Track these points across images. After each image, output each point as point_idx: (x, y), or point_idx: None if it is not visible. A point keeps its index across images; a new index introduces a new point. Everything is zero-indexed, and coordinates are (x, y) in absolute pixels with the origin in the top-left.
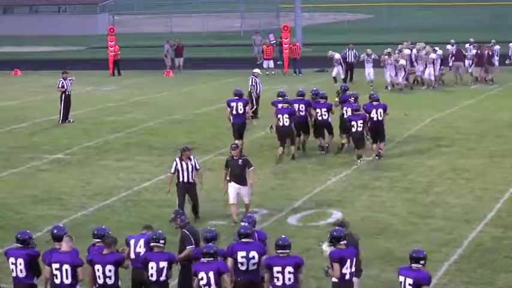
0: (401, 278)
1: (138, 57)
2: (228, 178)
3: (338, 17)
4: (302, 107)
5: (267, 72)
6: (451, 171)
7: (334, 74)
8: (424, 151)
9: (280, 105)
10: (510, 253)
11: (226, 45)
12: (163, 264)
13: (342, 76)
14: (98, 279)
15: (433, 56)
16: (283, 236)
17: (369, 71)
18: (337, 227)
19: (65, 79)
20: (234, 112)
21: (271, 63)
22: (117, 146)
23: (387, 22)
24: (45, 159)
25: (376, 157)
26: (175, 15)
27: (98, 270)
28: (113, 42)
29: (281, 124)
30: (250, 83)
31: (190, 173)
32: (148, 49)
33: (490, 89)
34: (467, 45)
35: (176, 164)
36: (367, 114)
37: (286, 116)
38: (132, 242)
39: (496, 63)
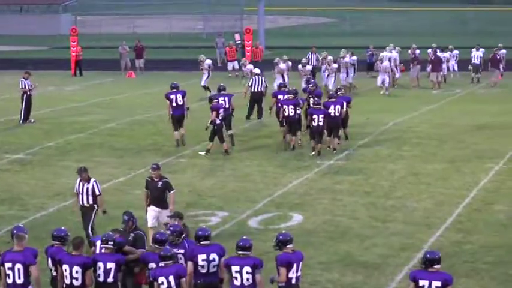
0: (424, 282)
1: (100, 57)
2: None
3: (301, 20)
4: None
5: (230, 74)
6: (412, 175)
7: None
8: (385, 155)
9: (282, 96)
10: (470, 258)
11: (189, 46)
12: (110, 265)
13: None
14: (65, 279)
15: (346, 59)
16: (244, 237)
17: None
18: (283, 232)
19: (26, 79)
20: (174, 104)
21: (236, 65)
22: (78, 147)
23: (350, 26)
24: (5, 159)
25: (331, 148)
26: (138, 16)
27: (66, 270)
28: (75, 43)
29: (286, 114)
30: (248, 84)
31: (85, 196)
32: (111, 50)
33: (451, 94)
34: (429, 50)
35: (76, 184)
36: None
37: (291, 106)
38: (98, 243)
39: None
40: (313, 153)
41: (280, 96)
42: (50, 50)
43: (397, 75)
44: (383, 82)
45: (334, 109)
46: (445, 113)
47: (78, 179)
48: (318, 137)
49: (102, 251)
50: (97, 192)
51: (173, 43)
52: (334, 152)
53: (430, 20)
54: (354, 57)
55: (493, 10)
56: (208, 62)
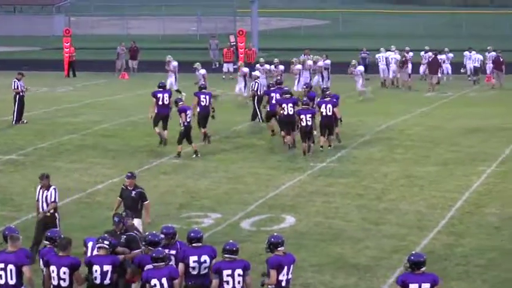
0: (414, 286)
1: (94, 58)
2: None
3: (294, 22)
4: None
5: (224, 76)
6: (404, 178)
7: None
8: (378, 158)
9: (274, 94)
10: (462, 261)
11: (183, 48)
12: (107, 267)
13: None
14: (52, 280)
15: (320, 64)
16: (231, 241)
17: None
18: (275, 234)
19: (19, 80)
20: (160, 103)
21: (231, 67)
22: (71, 148)
23: (343, 28)
24: None
25: (321, 148)
26: (132, 17)
27: (53, 271)
28: (69, 44)
29: (285, 113)
30: (252, 88)
31: (44, 204)
32: (104, 51)
33: (444, 97)
34: (422, 52)
35: (37, 192)
36: (318, 109)
37: (290, 105)
38: (90, 244)
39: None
40: (304, 155)
41: (272, 94)
42: (43, 51)
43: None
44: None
45: (326, 108)
46: (437, 115)
47: (39, 186)
48: (307, 136)
49: (97, 252)
50: (52, 199)
51: (166, 44)
52: (330, 148)
53: (423, 22)
54: (328, 61)
55: (486, 13)
56: (175, 63)
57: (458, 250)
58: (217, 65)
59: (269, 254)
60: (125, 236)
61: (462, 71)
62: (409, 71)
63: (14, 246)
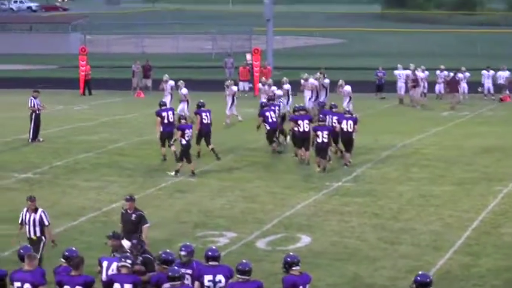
0: None
1: (109, 77)
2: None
3: (309, 41)
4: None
5: (239, 95)
6: (420, 197)
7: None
8: (393, 177)
9: (269, 113)
10: (478, 281)
11: (198, 66)
12: (128, 286)
13: None
14: None
15: (315, 82)
16: (243, 261)
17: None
18: (291, 254)
19: (35, 98)
20: (165, 121)
21: (247, 86)
22: (86, 166)
23: (358, 47)
24: (13, 178)
25: (345, 166)
26: (147, 35)
27: None
28: (84, 62)
29: (301, 130)
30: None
31: (31, 228)
32: (120, 69)
33: (460, 116)
34: (437, 71)
35: (23, 215)
36: (338, 126)
37: (306, 121)
38: (104, 263)
39: None
40: (319, 169)
41: (267, 114)
42: (59, 69)
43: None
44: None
45: (347, 124)
46: (453, 134)
47: (25, 209)
48: (322, 153)
49: (120, 271)
50: (46, 223)
51: (182, 63)
52: (346, 166)
53: (438, 41)
54: (327, 80)
55: (500, 32)
56: (171, 83)
57: (475, 270)
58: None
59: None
60: (141, 258)
61: (480, 90)
62: (422, 90)
63: (31, 265)
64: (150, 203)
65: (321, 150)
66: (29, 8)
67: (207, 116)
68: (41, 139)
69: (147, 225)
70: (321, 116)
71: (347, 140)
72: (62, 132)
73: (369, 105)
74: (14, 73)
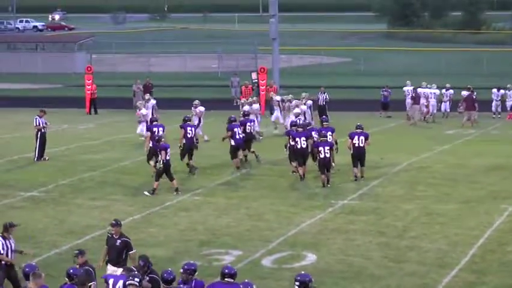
0: None
1: (115, 96)
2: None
3: (315, 59)
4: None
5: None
6: (426, 215)
7: (273, 118)
8: (399, 195)
9: (237, 129)
10: None
11: (204, 85)
12: None
13: (281, 121)
14: None
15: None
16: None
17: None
18: (302, 272)
19: (40, 117)
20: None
21: None
22: (91, 185)
23: (364, 66)
24: (19, 196)
25: (355, 179)
26: (153, 54)
27: None
28: (90, 81)
29: (299, 146)
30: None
31: (9, 253)
32: (126, 88)
33: (466, 135)
34: (443, 90)
35: (2, 243)
36: (350, 141)
37: (303, 138)
38: (111, 281)
39: None
40: (324, 187)
41: (235, 129)
42: (65, 88)
43: (433, 111)
44: (277, 118)
45: (359, 140)
46: (459, 153)
47: (1, 237)
48: (325, 169)
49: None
50: (15, 248)
51: (188, 82)
52: (363, 179)
53: (444, 60)
54: (310, 102)
55: (506, 51)
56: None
57: None
58: (239, 103)
59: None
60: (147, 278)
61: (493, 109)
62: (425, 108)
63: (36, 284)
64: (155, 222)
65: (324, 165)
66: (35, 27)
67: (191, 130)
68: (47, 158)
69: (134, 251)
70: (323, 131)
71: (359, 155)
72: (68, 151)
73: (374, 124)
74: (20, 92)
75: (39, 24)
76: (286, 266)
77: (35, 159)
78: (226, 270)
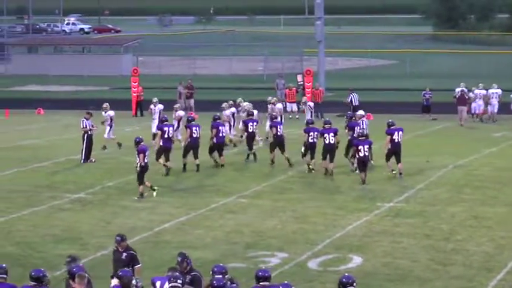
0: None
1: (161, 98)
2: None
3: (360, 62)
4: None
5: (290, 116)
6: (472, 218)
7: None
8: (445, 198)
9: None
10: None
11: (249, 88)
12: None
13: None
14: None
15: (280, 106)
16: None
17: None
18: (346, 274)
19: (87, 119)
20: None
21: (294, 107)
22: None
23: (410, 68)
24: (66, 198)
25: (400, 174)
26: (198, 57)
27: None
28: (136, 83)
29: (327, 142)
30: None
31: None
32: (171, 90)
33: None
34: (490, 91)
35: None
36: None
37: (331, 134)
38: (158, 283)
39: None
40: (363, 185)
41: (220, 127)
42: (111, 90)
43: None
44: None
45: (398, 135)
46: (506, 155)
47: None
48: (364, 167)
49: None
50: None
51: (233, 84)
52: (401, 175)
53: (491, 62)
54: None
55: None
56: (160, 106)
57: None
58: (285, 105)
59: None
60: (189, 276)
61: None
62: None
63: (80, 285)
64: (201, 224)
65: (363, 163)
66: (82, 29)
67: (196, 130)
68: (93, 160)
69: (139, 266)
70: (362, 130)
71: (399, 149)
72: (114, 153)
73: (420, 127)
74: (66, 94)
75: (85, 27)
76: (332, 269)
77: (82, 161)
78: (261, 273)
